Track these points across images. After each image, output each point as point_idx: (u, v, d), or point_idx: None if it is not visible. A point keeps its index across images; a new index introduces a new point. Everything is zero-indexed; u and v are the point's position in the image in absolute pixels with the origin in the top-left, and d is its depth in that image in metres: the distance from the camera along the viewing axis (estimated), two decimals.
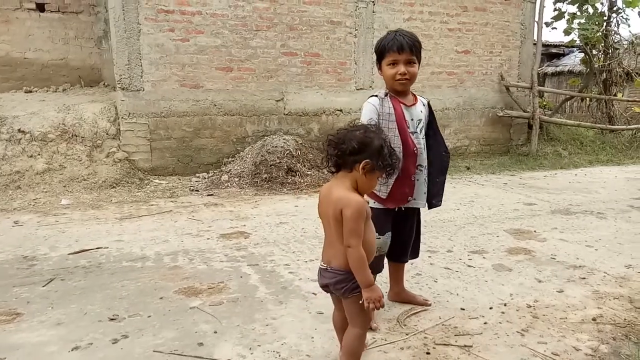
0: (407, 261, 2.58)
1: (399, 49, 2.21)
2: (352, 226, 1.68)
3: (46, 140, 5.70)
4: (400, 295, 2.59)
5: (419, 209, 2.47)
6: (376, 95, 2.31)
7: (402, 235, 2.44)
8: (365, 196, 2.25)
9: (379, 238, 2.28)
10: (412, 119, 2.31)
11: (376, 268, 2.38)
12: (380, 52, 2.29)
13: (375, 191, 2.27)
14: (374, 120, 2.20)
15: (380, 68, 2.33)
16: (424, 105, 2.42)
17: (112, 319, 2.41)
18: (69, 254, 3.41)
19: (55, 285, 2.85)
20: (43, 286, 2.83)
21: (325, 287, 1.87)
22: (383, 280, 2.66)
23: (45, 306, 2.57)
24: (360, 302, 1.75)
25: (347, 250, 1.71)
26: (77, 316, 2.45)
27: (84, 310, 2.51)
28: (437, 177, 2.40)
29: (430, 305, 2.55)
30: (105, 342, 2.19)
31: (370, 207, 2.30)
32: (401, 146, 2.23)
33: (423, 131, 2.36)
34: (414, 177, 2.32)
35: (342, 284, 1.77)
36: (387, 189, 2.27)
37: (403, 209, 2.37)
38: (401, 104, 2.29)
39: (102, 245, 3.58)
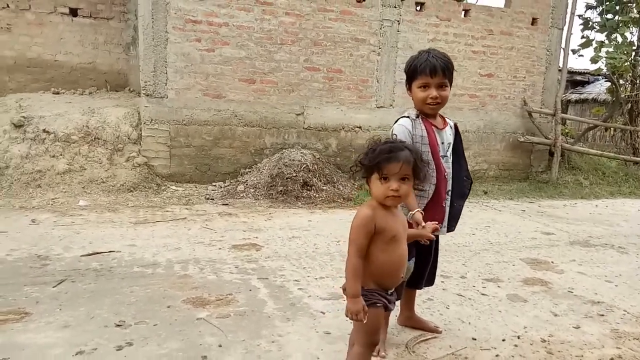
0: (421, 288, 2.52)
1: (432, 72, 2.11)
2: (352, 234, 1.73)
3: (69, 141, 5.81)
4: (410, 320, 2.53)
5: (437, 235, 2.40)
6: (407, 117, 2.22)
7: (421, 262, 2.35)
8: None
9: None
10: (442, 143, 2.24)
11: (397, 295, 2.31)
12: (412, 73, 2.19)
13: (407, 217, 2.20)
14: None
15: (409, 89, 2.24)
16: (451, 128, 2.34)
17: (119, 325, 2.41)
18: (81, 255, 3.43)
19: (66, 287, 2.86)
20: (53, 287, 2.85)
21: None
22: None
23: (54, 307, 2.58)
24: (364, 321, 1.73)
25: (347, 257, 1.74)
26: (84, 320, 2.45)
27: (91, 314, 2.51)
28: (455, 201, 2.33)
29: (440, 332, 2.48)
30: (110, 349, 2.18)
31: None
32: (435, 171, 2.17)
33: (451, 155, 2.29)
34: (445, 203, 2.26)
35: (345, 293, 1.80)
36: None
37: None
38: (433, 127, 2.23)
39: (114, 249, 3.60)
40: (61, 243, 3.71)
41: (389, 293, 1.83)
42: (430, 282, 2.54)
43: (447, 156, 2.25)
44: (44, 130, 5.78)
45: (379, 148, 1.70)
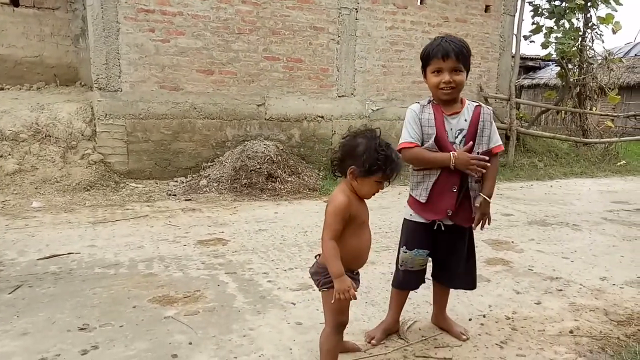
0: (452, 287, 2.38)
1: (444, 56, 2.05)
2: (328, 220, 1.78)
3: (18, 140, 5.51)
4: (438, 320, 2.42)
5: (468, 229, 2.26)
6: (418, 102, 2.20)
7: (444, 256, 2.26)
8: (407, 208, 2.25)
9: (406, 252, 2.21)
10: (451, 129, 2.13)
11: (404, 283, 2.29)
12: (425, 58, 2.14)
13: (416, 196, 2.18)
14: (414, 132, 2.13)
15: (425, 75, 2.18)
16: (471, 113, 2.16)
17: (82, 329, 2.32)
18: (38, 259, 3.28)
19: (23, 293, 2.73)
20: (9, 293, 2.71)
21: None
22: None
23: (11, 315, 2.45)
24: (331, 301, 1.78)
25: (322, 242, 1.79)
26: (45, 325, 2.35)
27: (52, 319, 2.41)
28: (474, 190, 2.18)
29: (465, 340, 2.29)
30: (74, 354, 2.10)
31: (406, 219, 2.25)
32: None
33: (463, 142, 2.13)
34: (455, 188, 2.13)
35: (315, 277, 1.89)
36: (426, 193, 2.15)
37: (442, 227, 2.18)
38: (442, 113, 2.14)
39: (73, 251, 3.46)
40: (15, 247, 3.52)
41: (355, 273, 1.92)
42: (469, 284, 2.35)
43: (455, 143, 2.12)
44: None
45: (388, 156, 1.76)
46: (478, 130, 2.15)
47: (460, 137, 2.14)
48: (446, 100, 2.14)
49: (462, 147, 2.12)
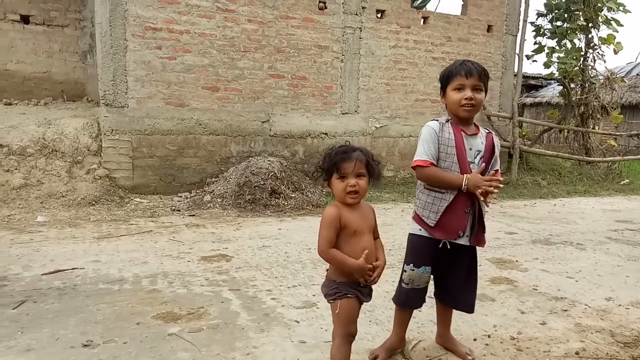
0: (449, 305, 2.36)
1: (467, 73, 2.11)
2: (320, 231, 1.86)
3: (25, 154, 5.56)
4: (442, 339, 2.41)
5: (474, 249, 2.26)
6: (436, 120, 2.19)
7: (444, 274, 2.25)
8: (413, 223, 2.25)
9: (413, 270, 2.19)
10: (470, 149, 2.16)
11: (408, 302, 2.27)
12: (447, 77, 2.17)
13: (423, 217, 2.16)
14: (430, 150, 2.12)
15: (444, 95, 2.20)
16: (483, 136, 2.23)
17: (86, 345, 2.31)
18: (42, 274, 3.28)
19: (27, 308, 2.73)
20: (13, 309, 2.71)
21: None
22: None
23: (15, 330, 2.45)
24: (336, 311, 1.86)
25: (320, 255, 1.89)
26: (49, 342, 2.34)
27: (56, 335, 2.40)
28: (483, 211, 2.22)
29: None
30: None
31: (413, 234, 2.23)
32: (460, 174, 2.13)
33: (480, 163, 2.17)
34: (468, 209, 2.14)
35: (322, 288, 1.97)
36: (435, 217, 2.14)
37: (448, 246, 2.16)
38: (462, 132, 2.16)
39: (78, 266, 3.46)
40: (20, 262, 3.53)
41: (362, 285, 1.92)
42: (467, 306, 2.32)
43: (474, 163, 2.15)
44: None
45: (335, 151, 1.88)
46: (493, 157, 2.21)
47: (478, 157, 2.17)
48: (465, 119, 2.17)
49: (479, 167, 2.13)
